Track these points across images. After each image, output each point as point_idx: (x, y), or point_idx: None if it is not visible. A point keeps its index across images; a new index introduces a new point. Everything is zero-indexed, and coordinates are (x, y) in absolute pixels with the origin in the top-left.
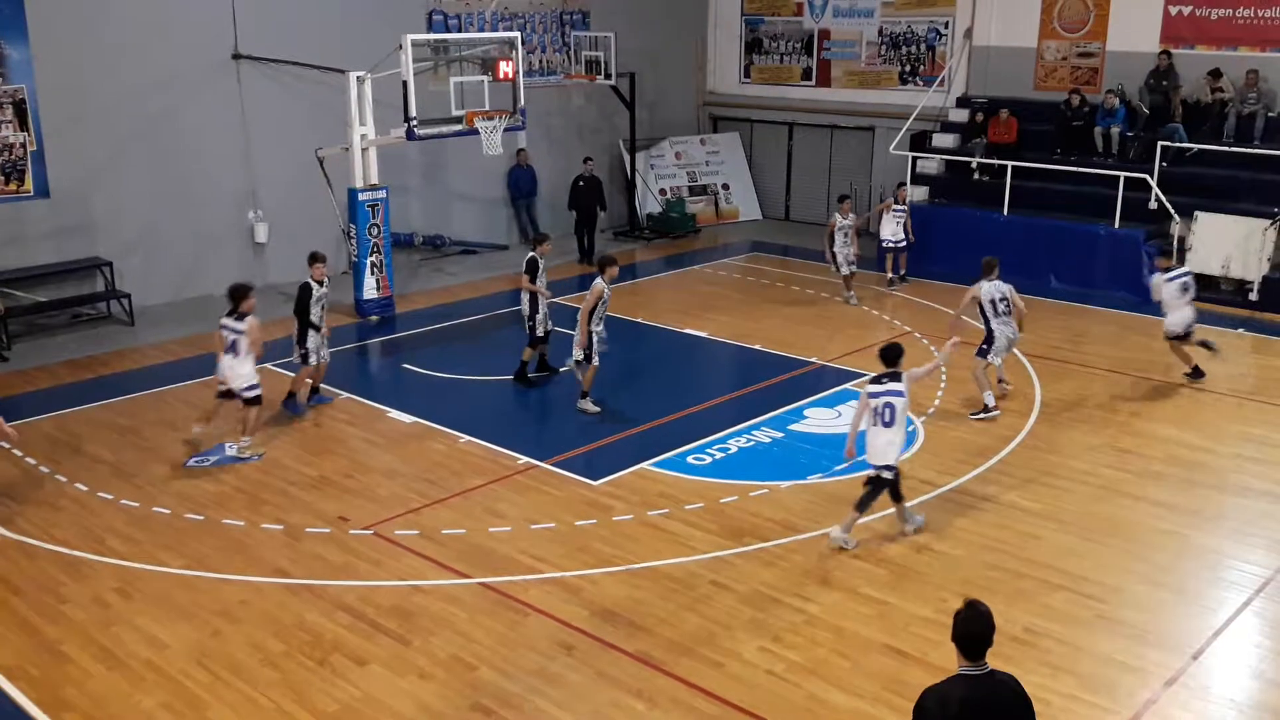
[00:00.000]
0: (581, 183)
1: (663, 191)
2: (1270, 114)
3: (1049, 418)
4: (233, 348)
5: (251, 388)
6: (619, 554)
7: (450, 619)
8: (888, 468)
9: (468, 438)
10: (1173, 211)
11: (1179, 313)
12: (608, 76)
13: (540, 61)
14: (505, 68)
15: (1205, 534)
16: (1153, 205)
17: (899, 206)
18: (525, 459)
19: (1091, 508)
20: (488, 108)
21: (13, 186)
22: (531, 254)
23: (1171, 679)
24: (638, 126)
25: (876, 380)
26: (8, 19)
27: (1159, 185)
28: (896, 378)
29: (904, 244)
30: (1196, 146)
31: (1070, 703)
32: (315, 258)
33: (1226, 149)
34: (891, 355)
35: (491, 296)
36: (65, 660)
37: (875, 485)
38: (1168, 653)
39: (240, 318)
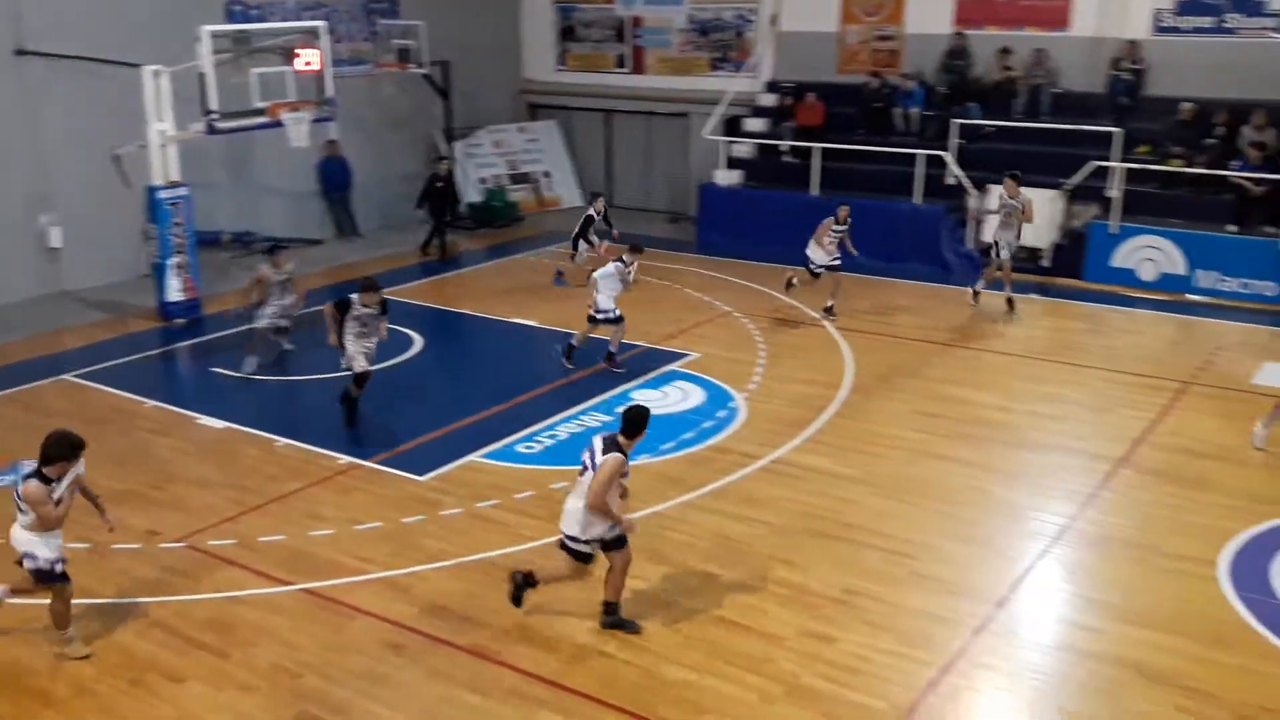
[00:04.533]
0: (440, 183)
1: (482, 180)
2: (1055, 90)
3: (861, 387)
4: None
5: (29, 556)
6: (449, 548)
7: (272, 628)
8: None
9: (285, 440)
10: (968, 186)
11: None
12: (419, 65)
13: (348, 51)
14: (310, 58)
15: (1007, 489)
16: (950, 181)
17: (839, 226)
18: (347, 459)
19: (903, 470)
20: (294, 99)
21: None
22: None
23: (980, 627)
24: (454, 115)
25: None
26: None
27: (957, 162)
28: None
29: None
30: (990, 123)
31: (889, 658)
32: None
33: (1017, 125)
34: None
35: (308, 293)
36: None
37: None
38: (976, 603)
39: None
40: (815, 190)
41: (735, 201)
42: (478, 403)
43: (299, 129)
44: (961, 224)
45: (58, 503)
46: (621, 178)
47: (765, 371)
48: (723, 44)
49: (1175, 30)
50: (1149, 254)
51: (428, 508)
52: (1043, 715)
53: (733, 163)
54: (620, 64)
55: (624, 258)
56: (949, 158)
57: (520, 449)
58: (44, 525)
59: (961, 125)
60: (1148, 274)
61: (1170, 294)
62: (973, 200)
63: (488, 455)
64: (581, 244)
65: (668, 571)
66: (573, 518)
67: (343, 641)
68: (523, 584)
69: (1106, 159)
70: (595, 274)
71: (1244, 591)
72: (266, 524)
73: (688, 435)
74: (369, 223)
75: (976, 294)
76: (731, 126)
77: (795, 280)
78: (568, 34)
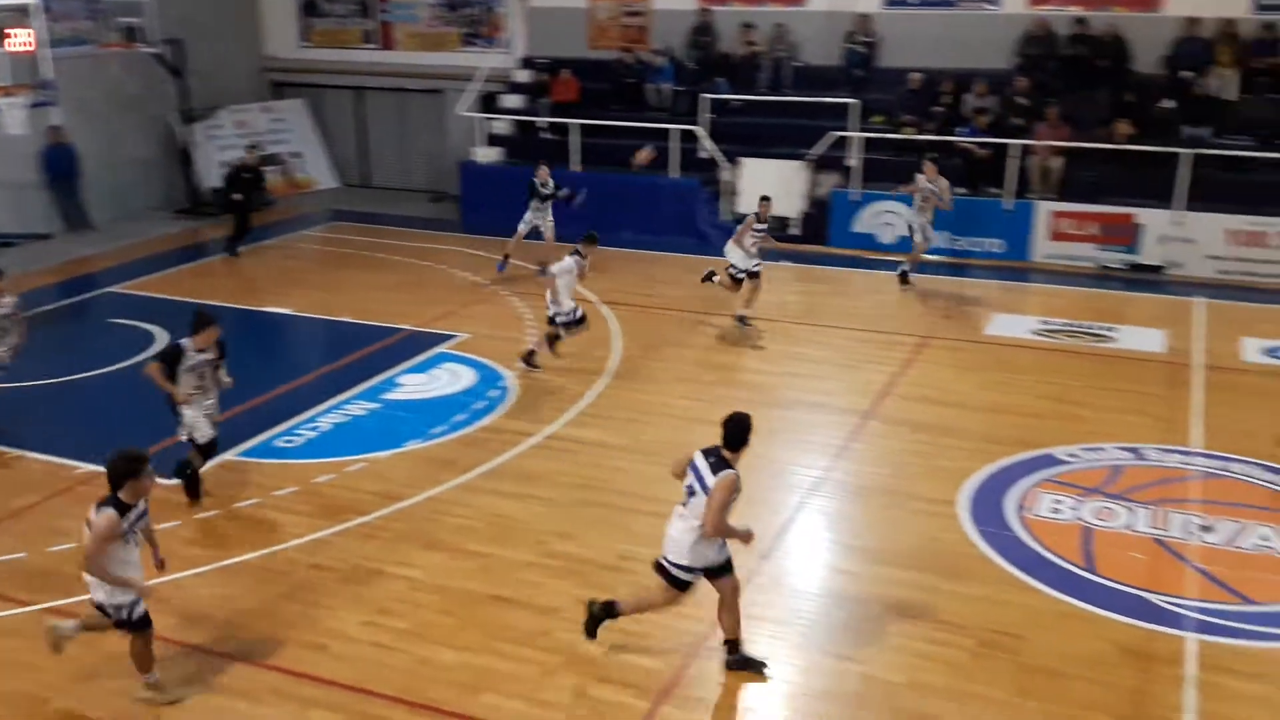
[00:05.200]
0: (248, 173)
1: (225, 164)
2: (796, 64)
3: (629, 359)
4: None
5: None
6: (207, 553)
7: (12, 653)
8: None
9: (15, 451)
10: (720, 160)
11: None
12: (148, 43)
13: (68, 30)
14: (22, 37)
15: (767, 446)
16: (704, 155)
17: (760, 225)
18: (87, 467)
19: (671, 437)
20: (7, 83)
21: None
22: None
23: (747, 580)
24: (191, 96)
25: None
26: None
27: (711, 136)
28: None
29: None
30: (736, 97)
31: (663, 617)
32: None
33: (763, 98)
34: None
35: (37, 291)
36: None
37: None
38: (743, 557)
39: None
40: (576, 166)
41: (497, 179)
42: (232, 398)
43: (14, 115)
44: (716, 196)
45: (126, 534)
46: (377, 157)
47: (535, 348)
48: (473, 19)
49: (903, 3)
50: (887, 218)
51: (181, 512)
52: (810, 659)
53: (493, 139)
54: (368, 39)
55: (580, 249)
56: (701, 132)
57: (280, 444)
58: (92, 561)
59: (710, 100)
60: (887, 237)
61: (908, 255)
62: (726, 173)
63: (245, 453)
64: (527, 215)
65: (444, 557)
66: (680, 544)
67: (94, 660)
68: (600, 615)
69: (845, 129)
70: (553, 269)
71: (983, 526)
72: (2, 542)
73: (459, 417)
74: (101, 213)
75: (905, 275)
76: (489, 103)
77: (717, 277)
78: (310, 9)
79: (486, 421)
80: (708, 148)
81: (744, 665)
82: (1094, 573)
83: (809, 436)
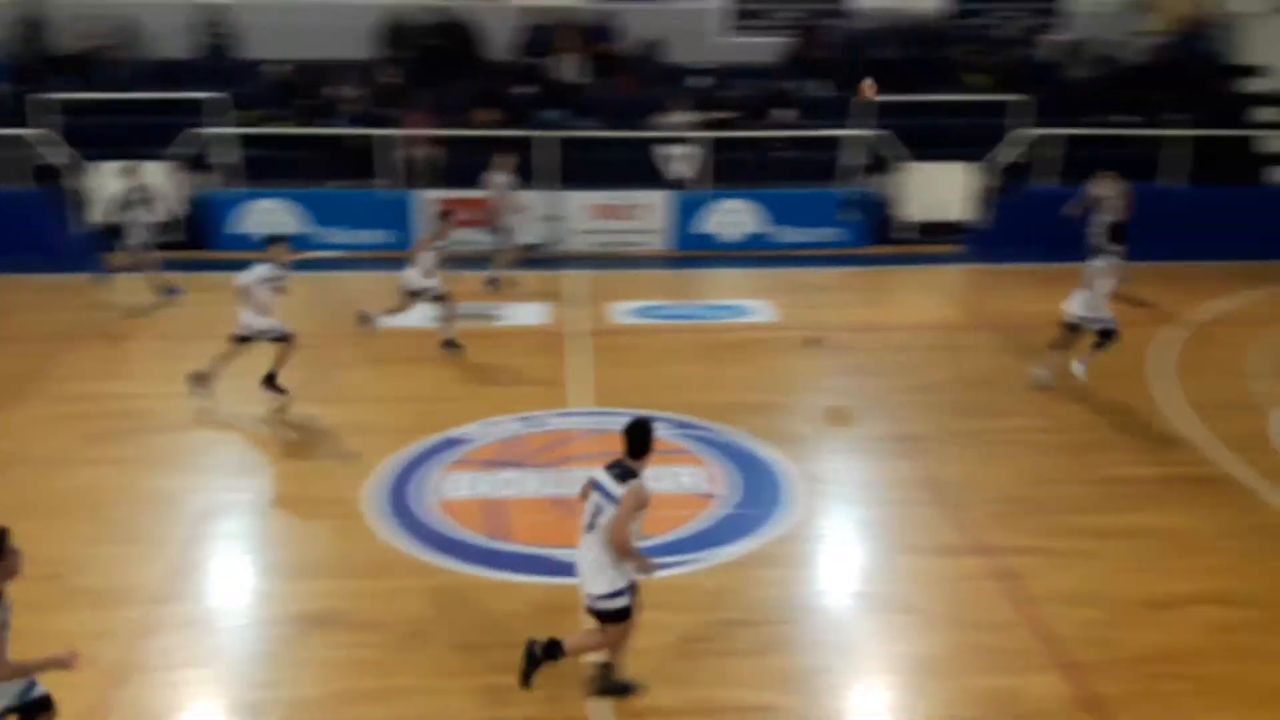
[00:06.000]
0: None
1: None
2: (149, 58)
3: None
4: None
5: None
6: None
7: None
8: None
9: None
10: (70, 165)
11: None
12: None
13: None
14: None
15: (157, 477)
16: (55, 161)
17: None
18: None
19: (44, 484)
20: None
21: None
22: None
23: (150, 629)
24: None
25: None
26: None
27: (65, 139)
28: None
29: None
30: (78, 96)
31: (75, 643)
32: None
33: (111, 96)
34: None
35: None
36: None
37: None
38: (141, 605)
39: None
40: None
41: None
42: None
43: None
44: (64, 206)
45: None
46: None
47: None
48: None
49: None
50: (264, 217)
51: None
52: (233, 695)
53: None
54: None
55: (279, 258)
56: (42, 136)
57: None
58: None
59: (61, 100)
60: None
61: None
62: (79, 179)
63: None
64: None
65: None
66: (599, 571)
67: None
68: (542, 657)
69: (214, 125)
70: (243, 281)
71: (391, 519)
72: None
73: None
74: None
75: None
76: None
77: (372, 313)
78: None
79: None
80: (50, 153)
81: (618, 690)
82: (506, 540)
83: (202, 459)
